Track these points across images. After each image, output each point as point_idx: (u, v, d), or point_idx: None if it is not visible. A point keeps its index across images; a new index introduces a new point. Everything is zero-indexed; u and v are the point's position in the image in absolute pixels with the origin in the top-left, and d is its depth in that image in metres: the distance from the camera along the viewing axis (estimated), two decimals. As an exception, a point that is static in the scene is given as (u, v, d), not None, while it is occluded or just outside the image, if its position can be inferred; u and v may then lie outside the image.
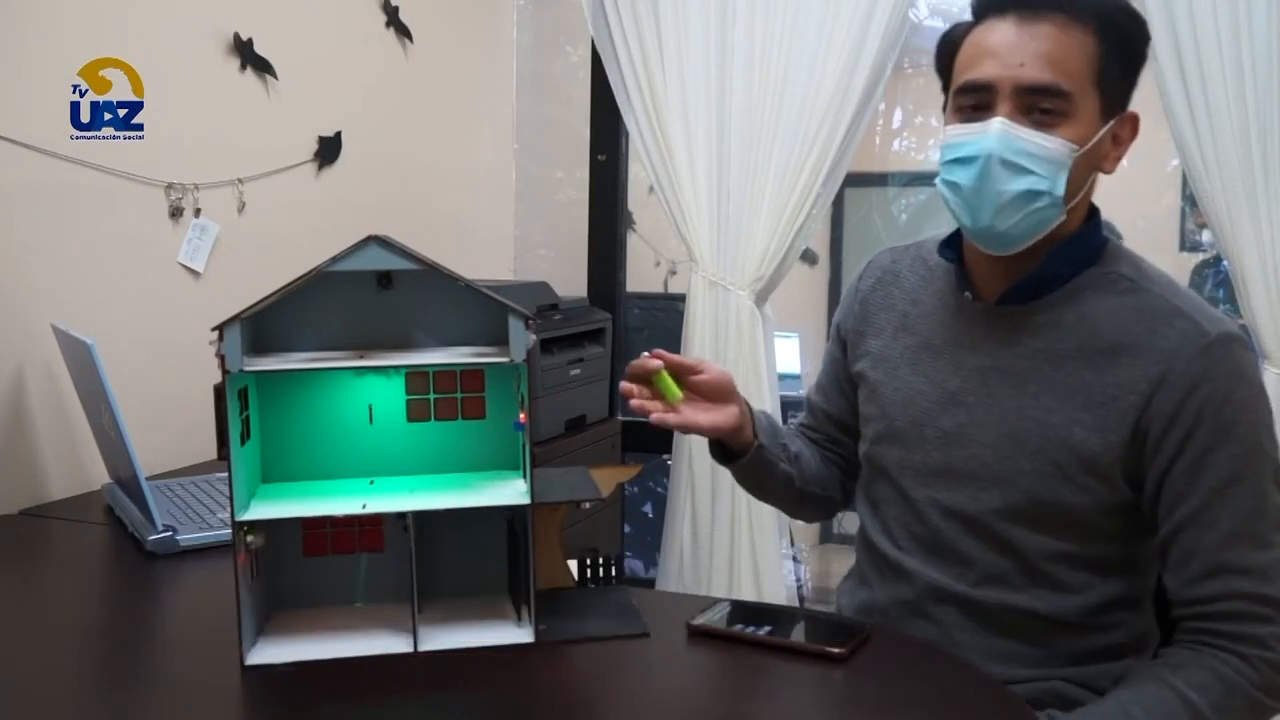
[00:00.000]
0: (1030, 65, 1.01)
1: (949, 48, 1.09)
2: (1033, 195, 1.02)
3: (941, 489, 1.12)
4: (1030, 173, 1.01)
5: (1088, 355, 1.05)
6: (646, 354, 1.11)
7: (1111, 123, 1.05)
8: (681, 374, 1.12)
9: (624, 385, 1.11)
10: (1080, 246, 1.09)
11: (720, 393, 1.15)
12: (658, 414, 1.09)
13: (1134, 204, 3.18)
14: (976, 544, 1.10)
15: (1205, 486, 1.01)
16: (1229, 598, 1.01)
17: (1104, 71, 1.02)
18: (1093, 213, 1.12)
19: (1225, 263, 2.01)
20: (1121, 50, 1.03)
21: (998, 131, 1.01)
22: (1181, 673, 1.00)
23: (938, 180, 1.10)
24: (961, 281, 1.15)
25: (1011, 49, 1.01)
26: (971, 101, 1.05)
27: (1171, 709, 0.98)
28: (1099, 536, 1.08)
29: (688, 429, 1.13)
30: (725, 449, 1.21)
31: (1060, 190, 1.02)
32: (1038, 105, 1.01)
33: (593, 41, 2.42)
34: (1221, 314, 1.07)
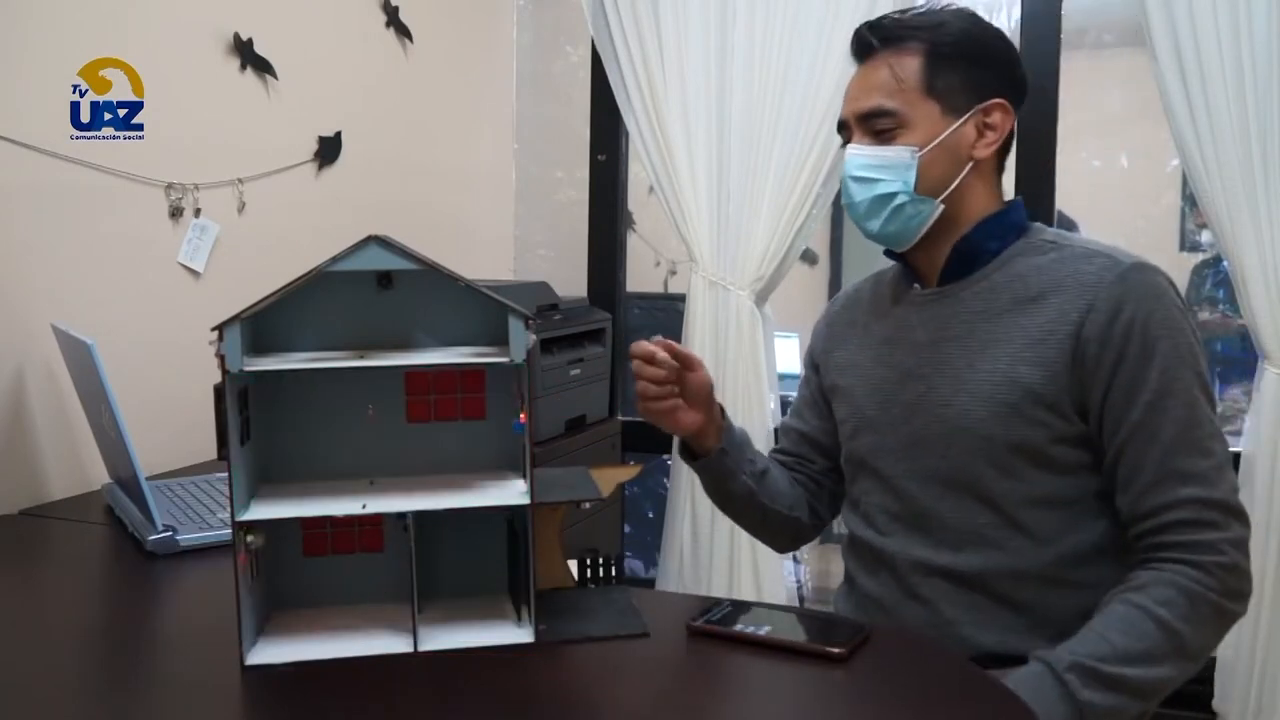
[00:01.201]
0: (860, 98, 1.21)
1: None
2: (886, 197, 1.19)
3: (913, 458, 1.21)
4: (876, 180, 1.19)
5: (1020, 305, 1.17)
6: (656, 338, 1.22)
7: (966, 117, 1.19)
8: (681, 365, 1.23)
9: (640, 347, 1.22)
10: (1001, 223, 1.22)
11: (702, 395, 1.26)
12: (668, 402, 1.24)
13: (1134, 204, 3.18)
14: (953, 503, 1.18)
15: (1141, 401, 1.10)
16: (1177, 506, 1.08)
17: (933, 80, 1.18)
18: (1014, 199, 1.26)
19: (1225, 263, 2.01)
20: (948, 57, 1.18)
21: (848, 156, 1.22)
22: (1145, 592, 1.07)
23: None
24: (909, 278, 1.28)
25: (855, 89, 1.23)
26: (844, 138, 1.25)
27: (1144, 628, 1.05)
28: (1063, 471, 1.14)
29: (674, 424, 1.26)
30: (690, 450, 1.33)
31: (910, 186, 1.18)
32: (875, 127, 1.20)
33: (593, 41, 2.42)
34: (1135, 254, 1.18)
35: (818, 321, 1.44)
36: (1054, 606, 1.14)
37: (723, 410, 1.32)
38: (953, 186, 1.20)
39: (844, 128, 1.26)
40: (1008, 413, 1.14)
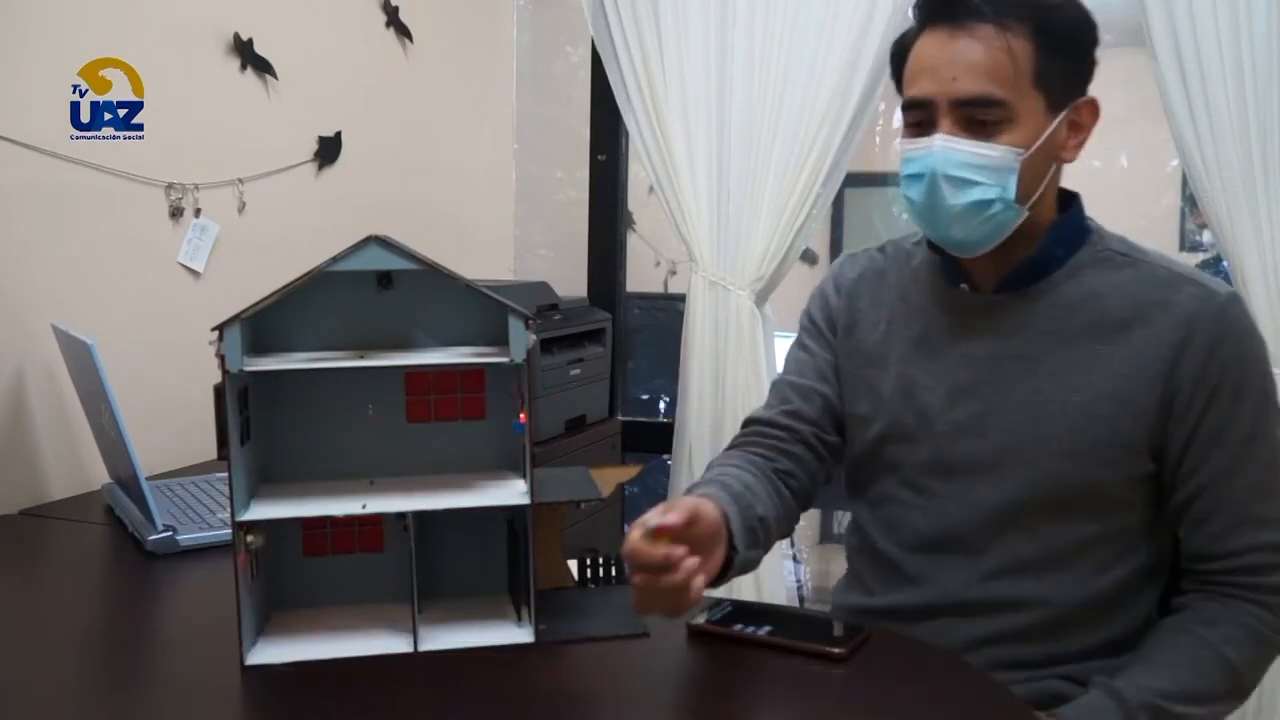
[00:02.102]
0: (962, 78, 1.02)
1: (898, 58, 1.11)
2: (983, 204, 1.05)
3: (958, 481, 1.11)
4: (976, 184, 1.04)
5: (1099, 331, 1.07)
6: (645, 529, 0.91)
7: (1064, 114, 1.06)
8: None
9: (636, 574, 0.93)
10: (1070, 228, 1.11)
11: (713, 537, 0.99)
12: (680, 575, 0.91)
13: (1134, 204, 3.18)
14: (995, 534, 1.10)
15: (1228, 445, 1.04)
16: (1254, 550, 1.04)
17: (1043, 71, 1.03)
18: (1070, 195, 1.14)
19: (1225, 263, 2.01)
20: (1061, 45, 1.04)
21: (939, 149, 1.04)
22: (1215, 628, 1.03)
23: (900, 192, 1.12)
24: (953, 274, 1.15)
25: (944, 63, 1.03)
26: (916, 118, 1.07)
27: (1210, 668, 1.02)
28: (1121, 509, 1.09)
29: (693, 592, 0.92)
30: None
31: (1011, 194, 1.04)
32: (976, 117, 1.03)
33: (593, 41, 2.42)
34: (1215, 278, 1.11)
35: (825, 284, 1.27)
36: (1074, 640, 1.09)
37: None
38: (1039, 192, 1.07)
39: (919, 107, 1.06)
40: (1083, 451, 1.05)
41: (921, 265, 1.19)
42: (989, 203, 1.04)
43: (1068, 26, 1.05)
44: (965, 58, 1.02)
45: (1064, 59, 1.04)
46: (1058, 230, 1.11)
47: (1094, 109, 1.08)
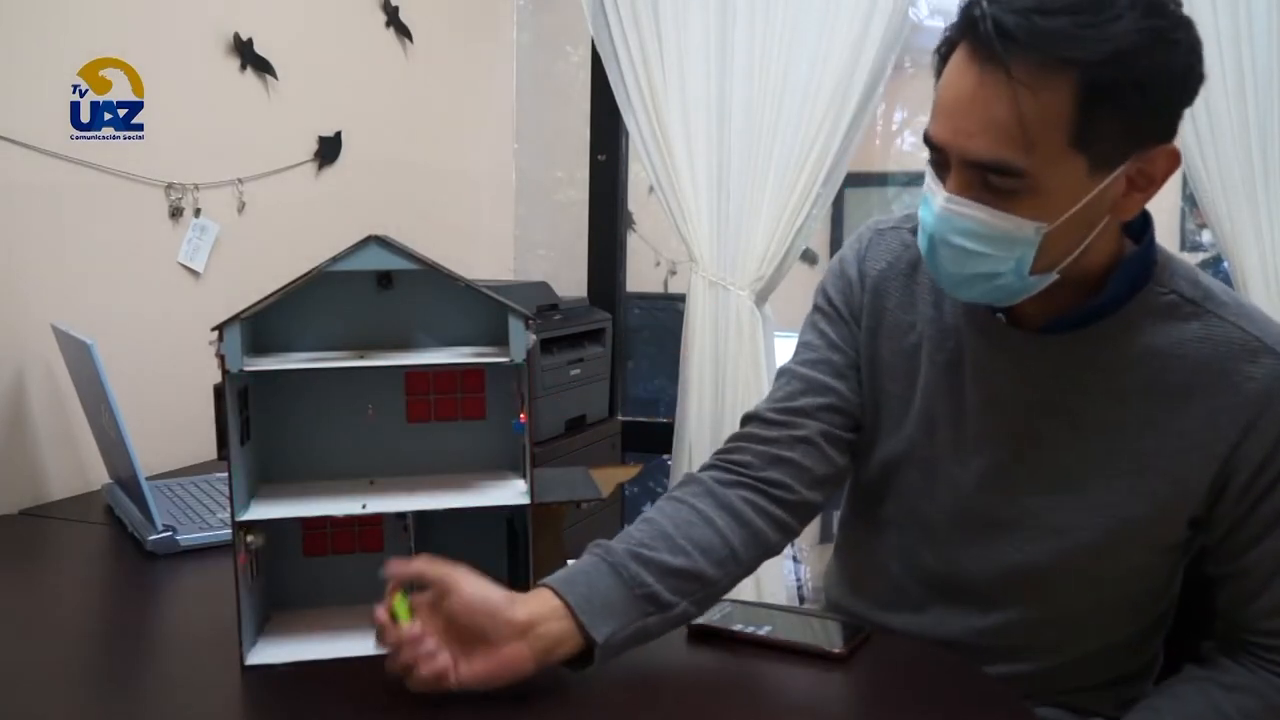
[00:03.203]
0: (977, 137, 0.85)
1: (939, 65, 0.92)
2: (989, 276, 0.90)
3: (976, 532, 1.01)
4: (982, 255, 0.88)
5: (1156, 395, 0.93)
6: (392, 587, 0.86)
7: (1119, 171, 0.86)
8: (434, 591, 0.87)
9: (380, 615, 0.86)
10: (1138, 267, 0.94)
11: (481, 630, 0.85)
12: (436, 664, 0.84)
13: (1134, 204, 3.18)
14: (1014, 591, 1.01)
15: (1274, 553, 0.94)
16: None
17: (1087, 128, 0.83)
18: (1143, 218, 0.96)
19: (1225, 263, 2.01)
20: (1121, 89, 0.82)
21: (939, 213, 0.89)
22: (1235, 696, 0.95)
23: None
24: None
25: (964, 109, 0.85)
26: (933, 157, 0.91)
27: None
28: (1150, 575, 1.02)
29: (438, 684, 0.84)
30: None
31: (1025, 268, 0.88)
32: (990, 181, 0.86)
33: (593, 41, 2.42)
34: None
35: (848, 263, 1.10)
36: (1072, 679, 1.04)
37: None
38: (1076, 254, 0.90)
39: (933, 148, 0.90)
40: (1119, 527, 0.95)
41: None
42: (996, 274, 0.89)
43: (1124, 67, 0.81)
44: (984, 112, 0.84)
45: (1117, 106, 0.82)
46: (1127, 269, 0.93)
47: (1172, 159, 0.87)
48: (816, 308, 1.12)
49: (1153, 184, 0.89)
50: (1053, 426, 0.97)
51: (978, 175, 0.87)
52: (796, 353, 1.11)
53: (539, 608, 0.87)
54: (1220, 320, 0.93)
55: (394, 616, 0.85)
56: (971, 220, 0.88)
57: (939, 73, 0.90)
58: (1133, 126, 0.85)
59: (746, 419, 1.10)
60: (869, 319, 1.07)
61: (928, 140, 0.90)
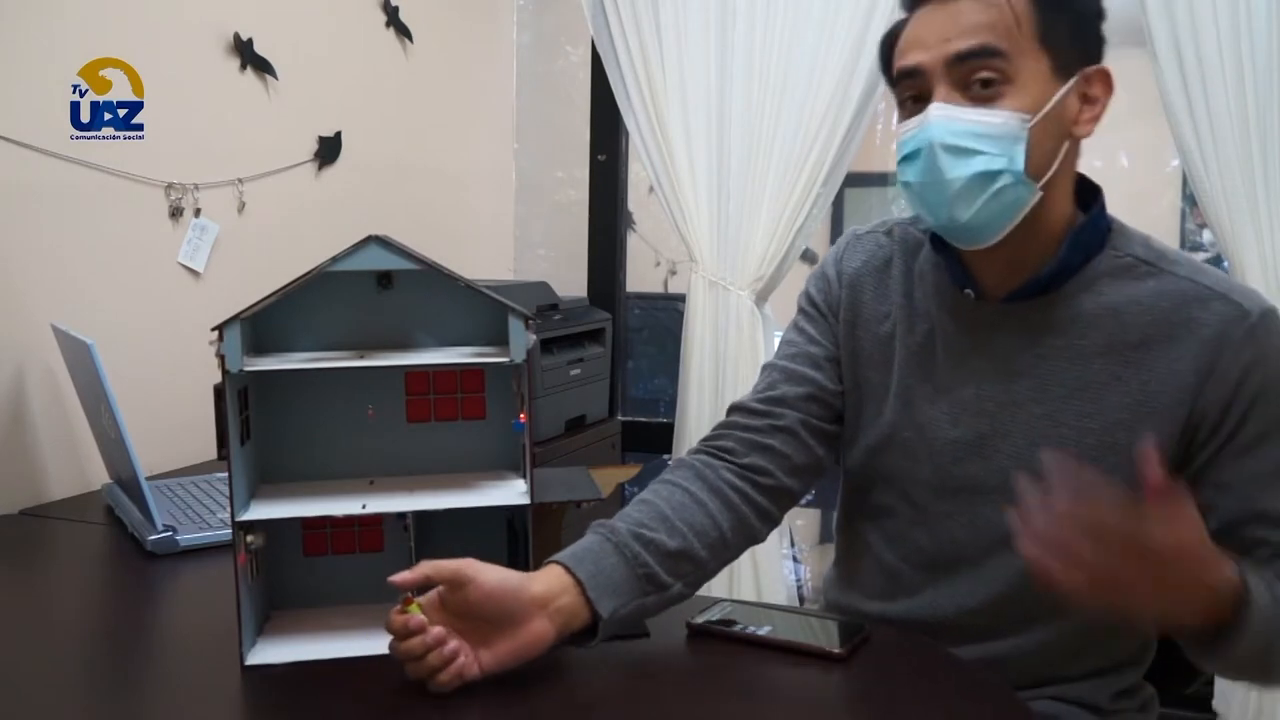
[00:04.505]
0: (956, 38, 0.94)
1: (887, 49, 1.04)
2: (988, 176, 0.94)
3: (962, 502, 1.05)
4: (979, 153, 0.94)
5: (1117, 350, 0.98)
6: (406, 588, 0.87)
7: (1073, 81, 0.96)
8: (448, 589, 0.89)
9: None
10: (1092, 231, 1.01)
11: (505, 612, 0.89)
12: (455, 666, 0.87)
13: (1134, 204, 3.18)
14: (1002, 560, 1.02)
15: (1260, 475, 0.96)
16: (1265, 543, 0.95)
17: (1047, 27, 0.94)
18: (1092, 190, 1.04)
19: (1225, 263, 2.01)
20: (1064, 6, 0.96)
21: (936, 116, 0.95)
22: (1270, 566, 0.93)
23: (898, 182, 1.03)
24: (959, 276, 1.05)
25: (937, 31, 0.95)
26: (910, 92, 0.99)
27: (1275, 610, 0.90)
28: None
29: (462, 679, 0.87)
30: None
31: (1019, 165, 0.94)
32: (975, 77, 0.94)
33: (593, 41, 2.42)
34: (1249, 287, 1.01)
35: (828, 265, 1.17)
36: (1070, 660, 1.05)
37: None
38: (1053, 170, 0.97)
39: (910, 77, 0.98)
40: None
41: (928, 260, 1.09)
42: (995, 174, 0.94)
43: None
44: (959, 20, 0.94)
45: (1070, 19, 0.96)
46: (1079, 235, 1.00)
47: (1107, 80, 0.99)
48: (799, 309, 1.19)
49: (1097, 103, 0.99)
50: (1022, 391, 1.01)
51: (961, 75, 0.95)
52: (778, 350, 1.18)
53: (553, 582, 0.92)
54: (1174, 276, 0.99)
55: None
56: (965, 121, 0.94)
57: (888, 60, 1.02)
58: (1079, 32, 0.97)
59: (732, 409, 1.15)
60: (847, 312, 1.13)
61: (901, 75, 0.99)
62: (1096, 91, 0.99)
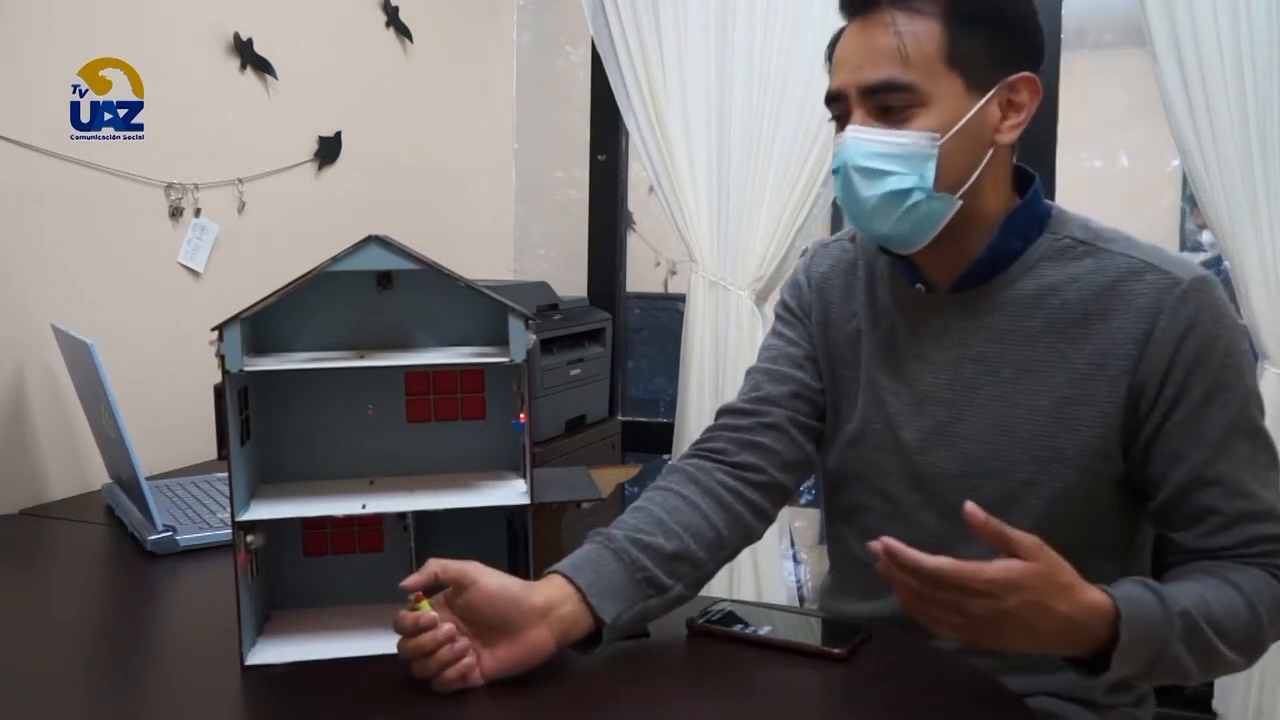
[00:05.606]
0: (867, 66, 1.00)
1: (829, 61, 1.08)
2: (900, 195, 1.00)
3: (929, 491, 1.08)
4: (889, 173, 1.00)
5: (1060, 327, 1.02)
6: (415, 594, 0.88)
7: (992, 93, 1.00)
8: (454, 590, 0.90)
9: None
10: (1026, 217, 1.05)
11: (505, 618, 0.89)
12: (460, 665, 0.88)
13: (1134, 204, 3.18)
14: (978, 547, 1.00)
15: (1206, 440, 0.98)
16: (1253, 542, 0.98)
17: (954, 50, 0.98)
18: (1027, 179, 1.08)
19: (1225, 263, 2.01)
20: (976, 20, 0.99)
21: (850, 139, 1.01)
22: (1241, 575, 0.96)
23: None
24: (910, 274, 1.10)
25: (853, 54, 1.01)
26: (836, 112, 1.05)
27: (1238, 608, 0.94)
28: (1100, 511, 1.04)
29: (466, 682, 0.88)
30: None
31: (929, 182, 0.99)
32: (885, 103, 0.99)
33: (593, 41, 2.42)
34: (1183, 256, 1.04)
35: (799, 272, 1.22)
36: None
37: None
38: (973, 179, 1.02)
39: (837, 100, 1.04)
40: (1051, 457, 1.01)
41: (885, 263, 1.14)
42: (906, 192, 1.00)
43: (991, 4, 1.00)
44: (870, 46, 1.00)
45: (976, 34, 0.99)
46: (1013, 221, 1.04)
47: (1033, 86, 1.02)
48: (776, 316, 1.24)
49: (1022, 109, 1.02)
50: (975, 376, 1.06)
51: (874, 105, 1.00)
52: (760, 356, 1.23)
53: (553, 592, 0.93)
54: (1109, 253, 1.03)
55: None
56: (874, 143, 1.00)
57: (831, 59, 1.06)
58: (992, 51, 1.00)
59: (720, 413, 1.19)
60: (818, 314, 1.18)
61: (828, 99, 1.05)
62: (1022, 99, 1.02)
